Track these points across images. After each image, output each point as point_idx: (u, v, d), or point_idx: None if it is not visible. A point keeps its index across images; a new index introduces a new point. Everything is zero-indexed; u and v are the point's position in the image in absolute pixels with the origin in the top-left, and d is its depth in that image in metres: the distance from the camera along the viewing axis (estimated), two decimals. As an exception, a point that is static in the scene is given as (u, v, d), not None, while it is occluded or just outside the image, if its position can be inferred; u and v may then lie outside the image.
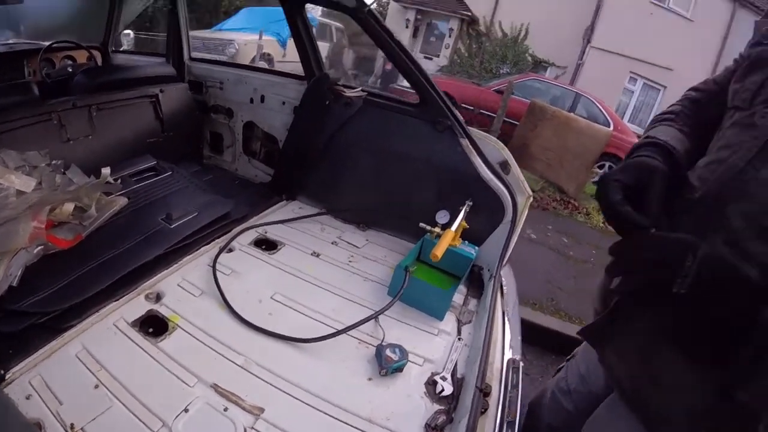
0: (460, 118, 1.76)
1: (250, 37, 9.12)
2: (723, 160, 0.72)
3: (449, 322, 1.47)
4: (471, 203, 1.73)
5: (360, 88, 2.08)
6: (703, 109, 0.88)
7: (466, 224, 1.71)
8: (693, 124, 0.87)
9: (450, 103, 1.77)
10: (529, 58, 12.78)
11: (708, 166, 0.75)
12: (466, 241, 1.74)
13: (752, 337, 0.59)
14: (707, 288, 0.62)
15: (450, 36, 13.84)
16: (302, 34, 2.11)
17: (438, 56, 14.09)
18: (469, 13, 13.51)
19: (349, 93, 2.04)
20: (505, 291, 1.63)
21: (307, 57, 2.14)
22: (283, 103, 2.24)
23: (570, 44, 12.81)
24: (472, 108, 7.03)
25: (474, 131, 1.76)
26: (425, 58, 14.49)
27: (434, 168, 1.82)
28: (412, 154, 1.87)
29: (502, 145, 1.73)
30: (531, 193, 1.74)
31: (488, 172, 1.70)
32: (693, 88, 0.95)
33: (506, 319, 1.48)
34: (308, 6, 2.06)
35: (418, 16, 14.13)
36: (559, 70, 13.12)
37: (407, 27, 14.05)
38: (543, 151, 4.34)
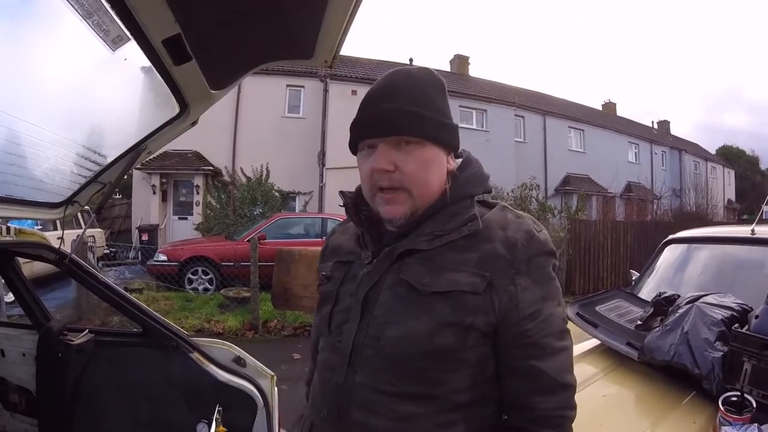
0: (184, 334, 1.89)
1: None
2: (329, 379, 0.89)
3: None
4: (220, 408, 1.82)
5: (87, 330, 2.06)
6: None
7: (223, 428, 1.79)
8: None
9: (170, 324, 1.89)
10: (277, 194, 13.81)
11: (326, 389, 0.91)
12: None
13: None
14: None
15: (198, 193, 14.06)
16: (18, 287, 2.05)
17: (192, 215, 14.08)
18: (211, 167, 14.06)
19: (78, 340, 2.00)
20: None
21: (29, 308, 2.06)
22: (24, 354, 2.09)
23: (308, 171, 14.45)
24: (232, 263, 7.28)
25: (199, 340, 1.90)
26: (180, 219, 14.32)
27: (177, 387, 1.88)
28: (153, 381, 1.91)
29: (230, 344, 1.91)
30: (272, 373, 1.94)
31: (225, 373, 1.84)
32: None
33: None
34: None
35: (163, 180, 14.05)
36: (306, 196, 14.56)
37: (155, 193, 13.79)
38: (304, 288, 4.71)
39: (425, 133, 0.85)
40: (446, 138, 0.88)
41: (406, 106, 0.84)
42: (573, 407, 0.84)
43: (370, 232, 0.94)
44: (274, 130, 14.49)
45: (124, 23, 0.99)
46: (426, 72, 0.90)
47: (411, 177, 0.85)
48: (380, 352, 0.84)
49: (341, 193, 0.99)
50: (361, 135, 0.88)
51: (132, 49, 1.11)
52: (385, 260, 0.89)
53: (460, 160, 0.95)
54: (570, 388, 0.84)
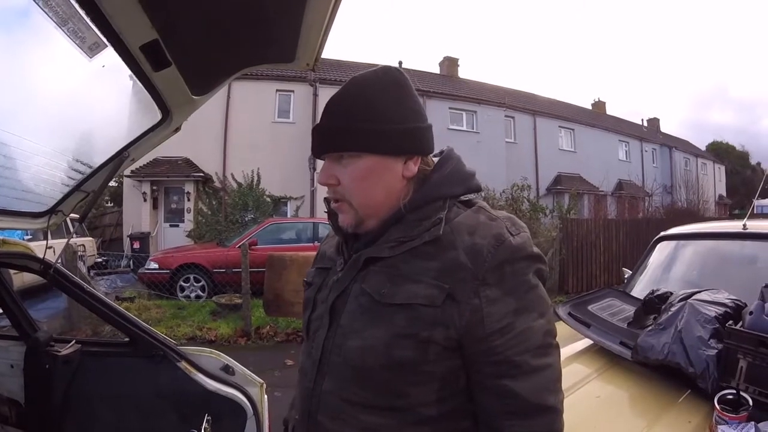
0: (171, 343, 1.87)
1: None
2: (301, 383, 0.91)
3: None
4: (209, 417, 1.80)
5: (74, 341, 2.03)
6: None
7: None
8: None
9: (157, 333, 1.87)
10: (268, 199, 13.76)
11: (299, 393, 0.93)
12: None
13: None
14: None
15: (189, 200, 13.98)
16: (4, 297, 2.01)
17: (183, 222, 13.99)
18: (202, 173, 13.99)
19: (65, 351, 1.98)
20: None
21: (15, 318, 2.03)
22: (12, 366, 2.05)
23: (300, 176, 14.40)
24: (224, 270, 7.25)
25: (187, 349, 1.88)
26: (171, 226, 14.21)
27: (165, 397, 1.86)
28: (141, 391, 1.89)
29: (218, 352, 1.88)
30: (261, 381, 1.92)
31: (213, 382, 1.82)
32: None
33: None
34: None
35: (154, 187, 13.96)
36: (297, 201, 14.52)
37: (145, 201, 13.70)
38: (296, 294, 4.66)
39: (358, 146, 0.83)
40: (391, 145, 0.84)
41: (339, 122, 0.84)
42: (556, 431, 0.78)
43: (346, 239, 0.92)
44: (265, 135, 14.45)
45: (100, 30, 0.97)
46: (381, 74, 0.86)
47: (347, 189, 0.85)
48: (345, 362, 0.82)
49: (326, 199, 0.97)
50: (312, 153, 0.91)
51: (110, 57, 1.08)
52: (352, 268, 0.87)
53: (436, 160, 0.91)
54: (552, 411, 0.77)
